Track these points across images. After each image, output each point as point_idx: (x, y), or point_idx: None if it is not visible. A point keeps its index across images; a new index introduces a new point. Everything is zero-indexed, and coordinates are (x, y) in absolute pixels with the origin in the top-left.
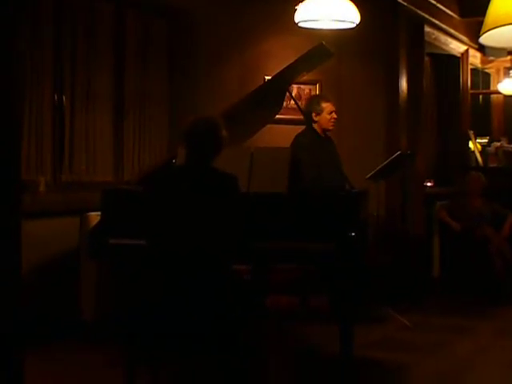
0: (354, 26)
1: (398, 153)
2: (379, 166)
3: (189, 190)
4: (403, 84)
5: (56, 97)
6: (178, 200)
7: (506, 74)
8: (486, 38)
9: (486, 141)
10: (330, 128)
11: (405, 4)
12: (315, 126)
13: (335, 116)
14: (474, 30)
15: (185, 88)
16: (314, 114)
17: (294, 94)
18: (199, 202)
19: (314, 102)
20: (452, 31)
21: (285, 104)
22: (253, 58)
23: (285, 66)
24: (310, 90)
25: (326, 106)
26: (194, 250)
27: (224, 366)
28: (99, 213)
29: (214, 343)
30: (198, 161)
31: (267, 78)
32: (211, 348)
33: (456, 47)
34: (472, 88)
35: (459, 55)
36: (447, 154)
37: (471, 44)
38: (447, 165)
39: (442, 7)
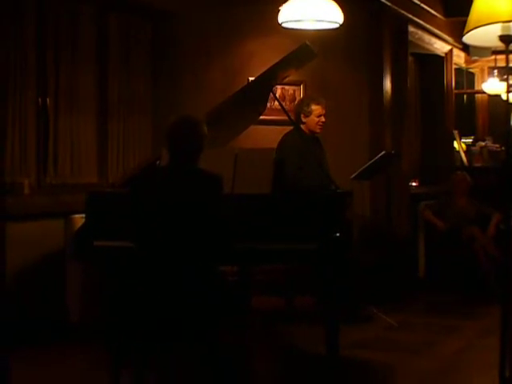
0: (337, 26)
1: (383, 153)
2: (364, 166)
3: (173, 190)
4: (387, 84)
5: (40, 99)
6: (163, 200)
7: (490, 74)
8: (469, 37)
9: (471, 140)
10: (317, 131)
11: (389, 4)
12: (303, 126)
13: (323, 120)
14: (458, 30)
15: (169, 90)
16: (302, 115)
17: (278, 95)
18: (184, 201)
19: (304, 103)
20: (436, 31)
21: (269, 105)
22: (237, 59)
23: (269, 66)
24: (294, 90)
25: (316, 109)
26: (178, 251)
27: (207, 365)
28: (84, 215)
29: (197, 343)
30: (182, 161)
31: (251, 79)
32: (194, 347)
33: (440, 47)
34: (456, 88)
35: (443, 55)
36: (432, 153)
37: (455, 44)
38: (432, 165)
39: (426, 7)
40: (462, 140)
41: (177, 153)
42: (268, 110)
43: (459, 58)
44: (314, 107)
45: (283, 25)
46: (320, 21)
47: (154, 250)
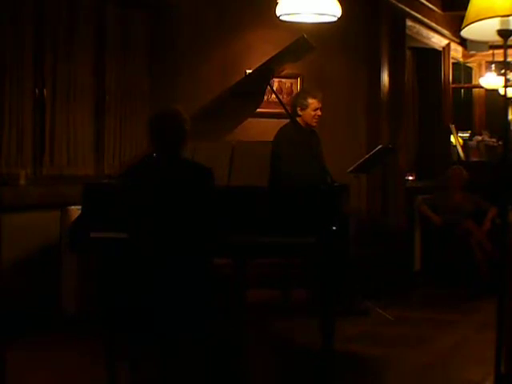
0: (335, 19)
1: (380, 146)
2: (361, 160)
3: (162, 181)
4: (385, 78)
5: (37, 90)
6: (153, 191)
7: (488, 68)
8: (467, 31)
9: (468, 135)
10: (313, 125)
11: None
12: (299, 119)
13: (319, 113)
14: (455, 24)
15: (166, 82)
16: (299, 109)
17: (275, 88)
18: (173, 193)
19: (300, 96)
20: (434, 25)
21: (266, 98)
22: (234, 51)
23: (266, 59)
24: (292, 84)
25: (312, 103)
26: (169, 242)
27: (201, 358)
28: (80, 206)
29: (192, 336)
30: (167, 152)
31: (248, 71)
32: (189, 340)
33: (438, 41)
34: (454, 82)
35: (441, 49)
36: (429, 147)
37: (453, 38)
38: (429, 159)
39: (423, 1)
40: (459, 134)
41: (160, 144)
42: (265, 103)
43: (457, 52)
44: (310, 101)
45: (281, 18)
46: (318, 14)
47: (145, 241)
